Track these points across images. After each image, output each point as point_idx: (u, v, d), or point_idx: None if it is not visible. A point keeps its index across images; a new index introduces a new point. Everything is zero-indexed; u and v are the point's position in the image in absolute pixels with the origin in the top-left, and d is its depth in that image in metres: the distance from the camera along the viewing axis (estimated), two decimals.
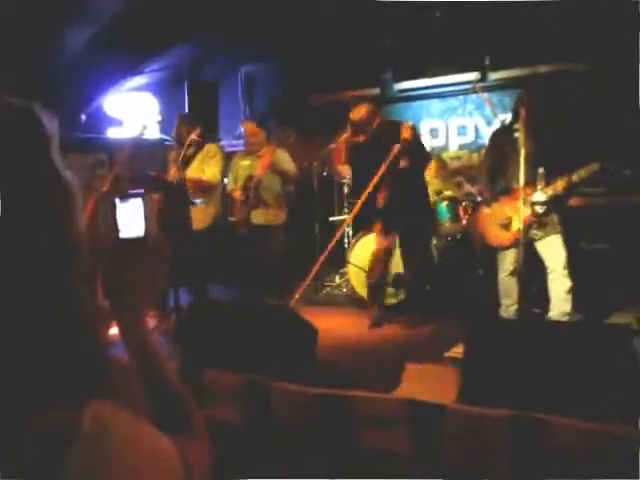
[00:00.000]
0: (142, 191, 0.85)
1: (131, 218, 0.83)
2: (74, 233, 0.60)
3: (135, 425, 0.62)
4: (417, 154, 4.49)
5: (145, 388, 0.80)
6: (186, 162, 4.82)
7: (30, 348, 0.56)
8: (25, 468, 0.53)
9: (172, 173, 4.76)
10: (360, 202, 4.43)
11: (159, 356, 0.84)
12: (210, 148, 4.95)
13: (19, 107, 0.59)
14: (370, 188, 4.32)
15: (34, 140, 0.59)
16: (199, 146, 4.89)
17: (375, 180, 4.30)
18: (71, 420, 0.56)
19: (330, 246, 4.47)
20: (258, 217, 5.07)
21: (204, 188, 4.86)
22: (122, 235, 0.83)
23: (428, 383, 2.78)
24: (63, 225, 0.59)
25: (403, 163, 4.35)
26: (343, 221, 5.44)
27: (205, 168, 4.85)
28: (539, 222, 3.90)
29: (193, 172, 4.82)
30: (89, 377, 0.61)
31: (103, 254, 0.81)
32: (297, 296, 4.43)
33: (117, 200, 0.84)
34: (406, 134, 4.31)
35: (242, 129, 5.24)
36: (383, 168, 4.28)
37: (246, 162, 5.16)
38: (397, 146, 4.29)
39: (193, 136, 4.78)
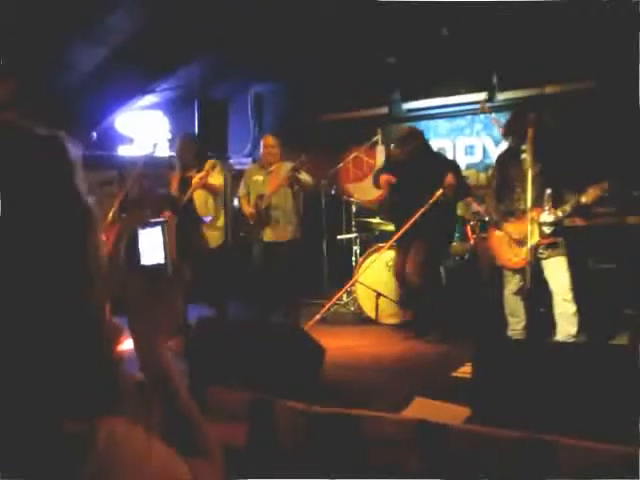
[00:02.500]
0: (162, 219, 0.88)
1: (151, 246, 0.86)
2: (94, 256, 0.62)
3: (149, 443, 0.63)
4: (458, 193, 4.73)
5: (161, 409, 0.82)
6: (189, 182, 4.91)
7: (47, 363, 0.58)
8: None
9: (195, 180, 4.87)
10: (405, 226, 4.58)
11: (175, 378, 0.85)
12: (209, 163, 5.02)
13: (45, 136, 0.61)
14: (412, 221, 4.53)
15: (59, 168, 0.61)
16: (200, 165, 4.97)
17: (421, 212, 4.53)
18: (86, 435, 0.57)
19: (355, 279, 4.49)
20: (268, 235, 5.11)
21: (214, 191, 4.99)
22: (143, 262, 0.86)
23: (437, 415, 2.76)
24: (84, 248, 0.61)
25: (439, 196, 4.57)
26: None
27: (209, 178, 4.94)
28: (549, 245, 3.90)
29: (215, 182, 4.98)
30: (104, 394, 0.63)
31: (125, 280, 0.83)
32: (318, 317, 4.47)
33: (139, 228, 0.86)
34: (450, 181, 4.54)
35: (262, 142, 5.25)
36: (423, 209, 4.52)
37: (259, 177, 5.20)
38: (440, 191, 4.53)
39: (197, 177, 4.88)
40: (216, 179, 4.99)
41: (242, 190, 5.29)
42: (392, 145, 5.03)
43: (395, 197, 4.94)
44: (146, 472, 0.61)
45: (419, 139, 4.86)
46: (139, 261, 0.85)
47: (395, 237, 4.69)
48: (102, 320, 0.64)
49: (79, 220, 0.62)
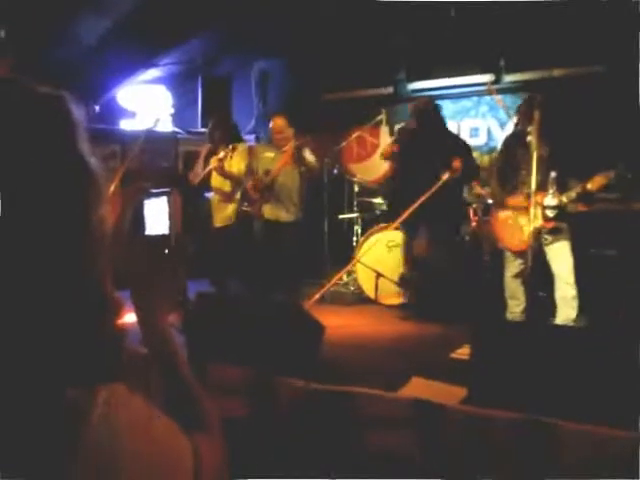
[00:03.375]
0: (168, 190, 0.86)
1: (156, 216, 0.85)
2: (98, 219, 0.61)
3: (148, 411, 0.63)
4: (466, 175, 4.71)
5: (162, 382, 0.82)
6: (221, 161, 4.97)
7: (48, 331, 0.57)
8: (36, 446, 0.54)
9: (213, 162, 4.91)
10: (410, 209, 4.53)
11: (177, 352, 0.85)
12: (238, 148, 5.09)
13: (48, 94, 0.60)
14: (417, 204, 4.48)
15: (62, 127, 0.60)
16: (227, 147, 5.01)
17: (427, 196, 4.48)
18: (86, 400, 0.57)
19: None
20: (269, 212, 5.10)
21: (230, 178, 5.04)
22: (147, 232, 0.85)
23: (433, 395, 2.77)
24: (88, 210, 0.60)
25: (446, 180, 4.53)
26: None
27: (226, 164, 4.99)
28: (552, 229, 3.89)
29: (231, 168, 5.02)
30: (105, 363, 0.62)
31: (128, 249, 0.83)
32: (317, 296, 4.47)
33: (144, 198, 0.85)
34: (457, 165, 4.51)
35: (271, 123, 5.18)
36: (429, 193, 4.47)
37: (270, 154, 5.17)
38: (447, 175, 4.50)
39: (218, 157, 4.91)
40: (235, 165, 5.00)
41: (245, 166, 5.28)
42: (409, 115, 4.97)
43: (400, 173, 4.90)
44: (145, 438, 0.61)
45: (434, 112, 4.79)
46: (143, 231, 0.84)
47: (400, 219, 4.63)
48: (104, 289, 0.63)
49: (81, 182, 0.60)
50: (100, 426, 0.57)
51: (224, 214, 5.11)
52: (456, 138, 5.11)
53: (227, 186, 5.11)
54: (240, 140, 5.25)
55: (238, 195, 5.15)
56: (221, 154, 4.91)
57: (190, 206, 4.84)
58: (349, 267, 5.07)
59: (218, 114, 5.39)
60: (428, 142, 4.66)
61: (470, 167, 4.73)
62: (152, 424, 0.63)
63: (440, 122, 4.89)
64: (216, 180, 5.10)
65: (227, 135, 5.07)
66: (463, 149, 4.79)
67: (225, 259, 5.08)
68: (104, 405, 0.58)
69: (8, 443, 0.53)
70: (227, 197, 5.12)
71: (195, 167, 5.23)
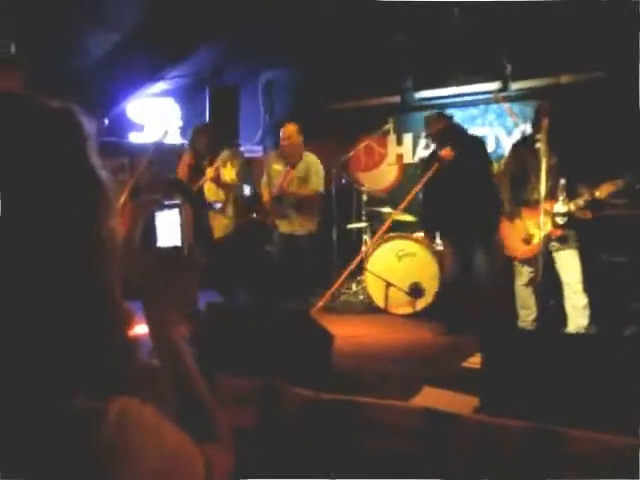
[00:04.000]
0: (179, 202, 0.87)
1: (168, 228, 0.85)
2: (109, 231, 0.62)
3: (160, 424, 0.63)
4: (476, 167, 4.58)
5: (174, 394, 0.82)
6: (202, 170, 4.95)
7: (59, 339, 0.58)
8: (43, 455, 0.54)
9: (208, 174, 4.91)
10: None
11: (188, 363, 0.85)
12: (221, 158, 5.04)
13: (59, 109, 0.60)
14: (412, 195, 4.62)
15: (73, 141, 0.60)
16: (213, 155, 4.99)
17: (417, 188, 4.63)
18: (98, 410, 0.57)
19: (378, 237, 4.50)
20: (284, 226, 5.11)
21: (226, 187, 5.05)
22: (159, 244, 0.85)
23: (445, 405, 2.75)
24: (99, 222, 0.61)
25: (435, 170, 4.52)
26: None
27: (224, 171, 4.97)
28: (560, 237, 3.87)
29: (224, 177, 5.02)
30: (115, 374, 0.62)
31: (141, 261, 0.83)
32: (320, 304, 4.46)
33: (156, 210, 0.86)
34: (443, 153, 4.52)
35: (282, 130, 5.16)
36: (424, 180, 4.56)
37: (278, 167, 5.17)
38: (436, 164, 4.51)
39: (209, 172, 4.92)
40: (228, 174, 5.01)
41: (264, 179, 5.28)
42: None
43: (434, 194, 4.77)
44: (156, 450, 0.61)
45: (442, 122, 4.72)
46: (155, 243, 0.85)
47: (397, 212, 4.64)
48: (115, 300, 0.64)
49: (92, 194, 0.61)
50: (112, 437, 0.57)
51: (221, 224, 5.10)
52: (470, 137, 4.98)
53: (220, 196, 5.10)
54: (223, 148, 5.18)
55: (232, 204, 5.15)
56: (216, 164, 4.90)
57: (197, 217, 4.84)
58: (349, 270, 5.00)
59: (197, 126, 5.40)
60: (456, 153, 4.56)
61: (482, 166, 4.64)
62: (163, 435, 0.63)
63: (456, 130, 4.82)
64: (209, 191, 5.09)
65: (212, 145, 5.06)
66: (478, 146, 4.75)
67: (231, 269, 5.08)
68: (116, 416, 0.58)
69: (17, 451, 0.53)
70: (222, 206, 5.13)
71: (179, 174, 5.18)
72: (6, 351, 0.55)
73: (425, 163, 4.80)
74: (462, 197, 4.40)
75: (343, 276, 4.91)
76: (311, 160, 5.13)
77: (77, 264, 0.58)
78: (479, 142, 4.86)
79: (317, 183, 5.06)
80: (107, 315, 0.62)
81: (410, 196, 4.56)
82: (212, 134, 5.26)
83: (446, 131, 4.67)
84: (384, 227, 5.15)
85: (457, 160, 4.49)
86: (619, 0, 4.33)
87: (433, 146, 4.76)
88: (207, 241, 4.75)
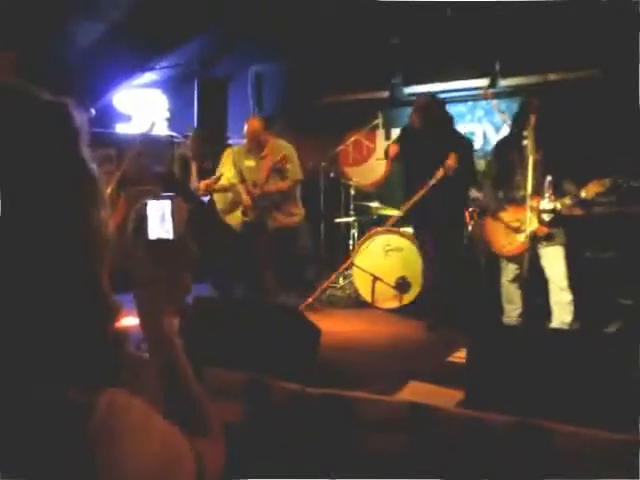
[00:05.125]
0: (172, 194, 0.86)
1: (160, 220, 0.84)
2: (99, 223, 0.62)
3: (148, 415, 0.63)
4: (462, 176, 4.58)
5: (164, 387, 0.82)
6: (205, 173, 5.12)
7: (49, 331, 0.57)
8: (34, 448, 0.54)
9: (199, 190, 5.11)
10: (410, 203, 4.59)
11: (179, 355, 0.85)
12: (224, 156, 5.21)
13: (50, 101, 0.60)
14: (415, 200, 4.54)
15: (64, 134, 0.60)
16: (216, 156, 5.10)
17: (421, 194, 4.52)
18: (87, 402, 0.57)
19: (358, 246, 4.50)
20: (271, 221, 5.08)
21: (226, 190, 5.21)
22: (151, 236, 0.84)
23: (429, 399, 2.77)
24: (89, 214, 0.61)
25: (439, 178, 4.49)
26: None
27: (223, 175, 5.12)
28: (547, 235, 3.89)
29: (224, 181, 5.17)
30: (105, 366, 0.62)
31: (132, 252, 0.83)
32: (310, 300, 4.46)
33: (148, 202, 0.85)
34: (450, 163, 4.44)
35: (246, 125, 5.09)
36: (425, 188, 4.49)
37: (251, 163, 5.12)
38: (440, 172, 4.46)
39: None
40: (225, 176, 5.06)
41: (237, 177, 5.20)
42: (411, 112, 4.80)
43: (403, 174, 4.84)
44: (146, 443, 0.61)
45: (438, 110, 4.67)
46: (147, 235, 0.84)
47: (392, 220, 4.65)
48: (104, 292, 0.64)
49: (83, 187, 0.61)
50: (101, 429, 0.57)
51: (233, 218, 5.24)
52: (460, 136, 4.90)
53: (227, 197, 5.23)
54: (219, 148, 5.30)
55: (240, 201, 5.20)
56: (214, 177, 5.03)
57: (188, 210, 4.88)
58: (342, 269, 5.04)
59: (191, 135, 5.51)
60: (432, 140, 4.53)
61: (468, 168, 4.62)
62: (152, 428, 0.63)
63: (445, 119, 4.73)
64: (218, 197, 5.29)
65: (207, 147, 5.18)
66: (466, 149, 4.67)
67: (230, 263, 5.13)
68: (106, 408, 0.58)
69: (8, 443, 0.53)
70: (231, 206, 5.27)
71: (192, 182, 5.27)
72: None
73: (498, 148, 4.40)
74: (443, 193, 4.45)
75: (333, 276, 4.95)
76: (283, 146, 5.04)
77: (68, 255, 0.58)
78: (466, 141, 4.84)
79: (295, 172, 5.00)
80: (97, 307, 0.62)
81: (417, 196, 4.54)
82: (204, 138, 5.34)
83: (437, 119, 4.62)
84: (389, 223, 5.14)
85: (441, 154, 4.47)
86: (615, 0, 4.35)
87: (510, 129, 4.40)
88: (197, 234, 4.77)
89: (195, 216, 4.87)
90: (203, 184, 5.01)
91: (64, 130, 0.60)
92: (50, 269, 0.57)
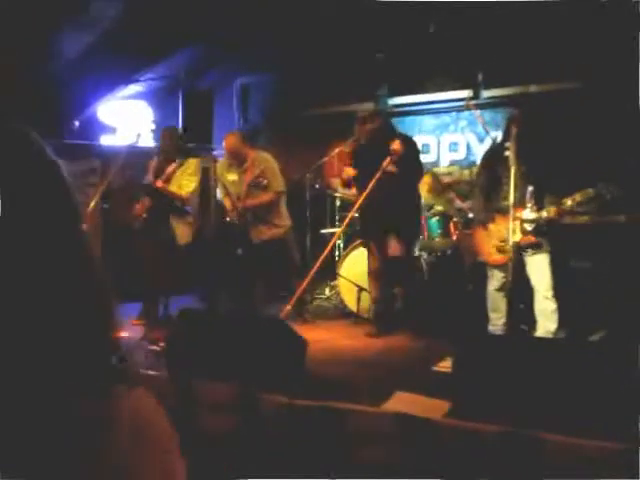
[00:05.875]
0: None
1: None
2: (87, 245, 0.63)
3: (160, 411, 0.65)
4: (408, 165, 4.57)
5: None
6: (168, 175, 4.89)
7: (59, 338, 0.58)
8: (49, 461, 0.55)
9: (155, 185, 4.87)
10: (356, 206, 4.50)
11: None
12: (190, 164, 4.99)
13: (20, 132, 0.61)
14: (365, 196, 4.42)
15: (48, 165, 0.61)
16: (181, 161, 4.93)
17: (370, 188, 4.41)
18: (106, 407, 0.58)
19: (321, 258, 4.49)
20: (255, 235, 5.06)
21: (179, 200, 4.96)
22: None
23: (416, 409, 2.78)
24: (79, 239, 0.62)
25: (389, 169, 4.44)
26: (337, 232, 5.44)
27: (183, 183, 4.92)
28: (533, 244, 3.93)
29: (172, 185, 4.93)
30: (117, 368, 0.63)
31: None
32: (289, 307, 4.45)
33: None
34: (395, 147, 4.45)
35: (224, 140, 5.08)
36: (376, 178, 4.40)
37: (233, 177, 5.11)
38: (388, 158, 4.42)
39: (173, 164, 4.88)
40: (185, 185, 4.90)
41: (221, 191, 5.19)
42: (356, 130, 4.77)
43: (361, 187, 4.70)
44: (164, 436, 0.62)
45: (378, 121, 4.69)
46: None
47: (347, 220, 4.66)
48: (105, 302, 0.65)
49: (72, 214, 0.62)
50: (129, 430, 0.58)
51: (181, 232, 4.98)
52: (403, 136, 4.84)
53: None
54: (189, 153, 5.13)
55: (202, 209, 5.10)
56: (165, 174, 4.85)
57: (159, 221, 4.83)
58: (312, 273, 4.94)
59: (165, 129, 5.33)
60: (379, 149, 4.53)
61: (414, 164, 4.63)
62: (163, 422, 0.64)
63: (389, 129, 4.79)
64: (172, 185, 4.98)
65: (180, 149, 5.02)
66: (410, 146, 4.67)
67: (208, 272, 5.07)
68: (131, 410, 0.60)
69: (23, 451, 0.53)
70: (182, 215, 5.05)
71: (147, 176, 5.10)
72: (8, 351, 0.55)
73: (485, 159, 4.41)
74: (392, 198, 4.47)
75: (308, 278, 4.88)
76: (264, 159, 5.05)
77: (65, 266, 0.60)
78: (412, 143, 4.80)
79: (277, 184, 5.03)
80: (98, 317, 0.63)
81: (368, 190, 4.47)
82: (179, 137, 5.22)
83: (381, 130, 4.64)
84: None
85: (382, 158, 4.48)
86: (609, 8, 4.40)
87: (499, 139, 4.46)
88: (169, 247, 4.74)
89: (165, 228, 4.83)
90: (160, 182, 4.85)
91: (47, 162, 0.61)
92: (50, 279, 0.58)
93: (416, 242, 4.95)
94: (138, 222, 4.97)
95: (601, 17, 4.78)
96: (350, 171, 4.70)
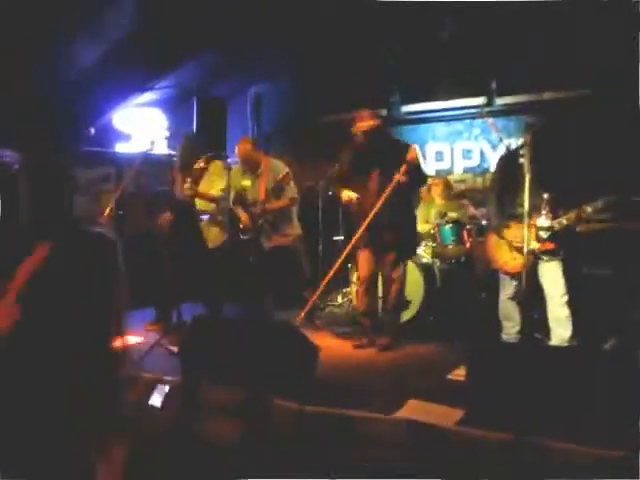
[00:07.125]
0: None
1: None
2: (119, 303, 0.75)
3: None
4: (417, 175, 4.55)
5: None
6: (195, 180, 4.93)
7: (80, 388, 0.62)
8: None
9: (185, 190, 4.89)
10: (370, 215, 4.43)
11: None
12: (215, 166, 5.05)
13: (111, 240, 0.80)
14: (378, 207, 4.37)
15: (116, 259, 0.88)
16: (206, 164, 4.99)
17: (383, 199, 4.37)
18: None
19: (336, 267, 4.47)
20: (268, 241, 5.08)
21: (212, 200, 5.01)
22: None
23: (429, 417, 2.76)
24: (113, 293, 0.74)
25: (403, 179, 4.41)
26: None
27: (213, 184, 4.97)
28: (547, 251, 3.90)
29: (202, 187, 4.98)
30: (113, 415, 0.68)
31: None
32: (302, 314, 4.44)
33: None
34: (412, 156, 4.41)
35: (236, 148, 5.12)
36: (391, 187, 4.37)
37: (247, 182, 5.14)
38: (402, 168, 4.38)
39: (201, 164, 4.93)
40: (215, 186, 4.97)
41: (235, 198, 5.17)
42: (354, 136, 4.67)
43: (356, 190, 4.62)
44: None
45: (375, 120, 4.61)
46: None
47: (361, 230, 4.54)
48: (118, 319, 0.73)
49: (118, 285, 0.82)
50: None
51: (213, 234, 5.07)
52: (404, 143, 4.79)
53: (211, 207, 5.08)
54: (212, 157, 5.14)
55: (222, 216, 5.10)
56: (187, 182, 4.88)
57: (184, 229, 4.84)
58: (325, 282, 4.88)
59: (184, 137, 5.38)
60: (376, 148, 4.50)
61: (419, 172, 4.59)
62: None
63: (387, 133, 4.76)
64: (200, 202, 5.07)
65: (198, 156, 5.04)
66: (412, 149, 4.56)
67: (220, 281, 5.05)
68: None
69: (23, 451, 0.55)
70: (212, 217, 5.11)
71: (176, 186, 5.13)
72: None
73: (499, 166, 4.36)
74: (397, 208, 4.43)
75: (322, 286, 4.87)
76: (277, 166, 5.07)
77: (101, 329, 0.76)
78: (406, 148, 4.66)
79: (292, 191, 5.06)
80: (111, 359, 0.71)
81: (370, 215, 4.43)
82: (198, 145, 5.26)
83: (378, 131, 4.57)
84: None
85: (384, 165, 4.45)
86: (613, 16, 4.38)
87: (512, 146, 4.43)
88: (195, 254, 4.75)
89: (191, 236, 4.85)
90: (187, 188, 4.89)
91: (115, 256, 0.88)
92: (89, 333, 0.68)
93: (407, 261, 4.86)
94: (163, 234, 5.01)
95: (613, 23, 4.75)
96: (352, 195, 4.65)
